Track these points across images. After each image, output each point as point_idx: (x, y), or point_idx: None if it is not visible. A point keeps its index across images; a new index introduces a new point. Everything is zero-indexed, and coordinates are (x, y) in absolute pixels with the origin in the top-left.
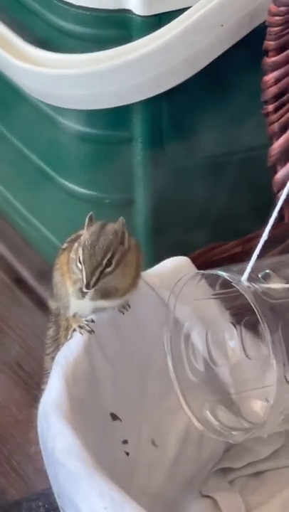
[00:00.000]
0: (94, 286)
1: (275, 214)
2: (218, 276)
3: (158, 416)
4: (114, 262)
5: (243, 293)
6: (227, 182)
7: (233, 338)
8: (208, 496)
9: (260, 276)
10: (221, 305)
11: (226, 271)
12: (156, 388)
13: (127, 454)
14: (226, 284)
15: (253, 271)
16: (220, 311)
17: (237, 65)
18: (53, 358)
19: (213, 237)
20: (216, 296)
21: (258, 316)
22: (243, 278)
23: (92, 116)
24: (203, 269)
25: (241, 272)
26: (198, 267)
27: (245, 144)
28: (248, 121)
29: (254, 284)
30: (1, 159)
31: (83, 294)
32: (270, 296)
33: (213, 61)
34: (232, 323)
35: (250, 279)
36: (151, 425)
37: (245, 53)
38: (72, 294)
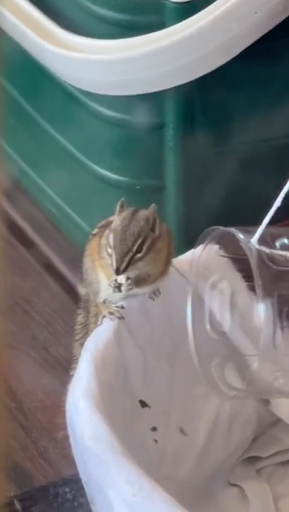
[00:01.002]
0: (124, 271)
1: None
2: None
3: (187, 403)
4: (144, 248)
5: (247, 253)
6: (259, 169)
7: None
8: (235, 485)
9: (278, 244)
10: (234, 267)
11: (242, 232)
12: (185, 375)
13: (156, 441)
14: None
15: (271, 237)
16: (235, 273)
17: (270, 52)
18: (82, 344)
19: (246, 225)
20: (233, 256)
21: (254, 278)
22: (252, 239)
23: (125, 102)
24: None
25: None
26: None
27: (278, 130)
28: (280, 108)
29: (263, 248)
30: (33, 145)
31: (118, 289)
32: (276, 263)
33: (246, 48)
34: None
35: (262, 242)
36: (180, 413)
37: (278, 40)
38: (107, 289)
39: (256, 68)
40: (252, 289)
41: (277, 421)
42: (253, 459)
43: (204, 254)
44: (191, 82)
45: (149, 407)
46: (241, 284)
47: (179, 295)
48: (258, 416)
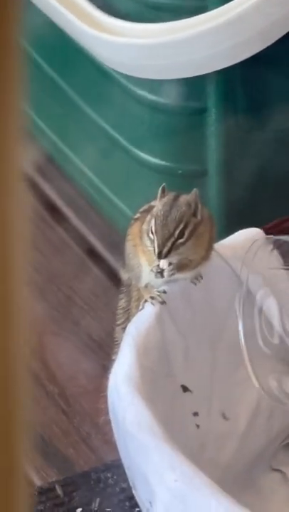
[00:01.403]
0: (166, 256)
1: None
2: None
3: (228, 389)
4: (186, 233)
5: None
6: None
7: None
8: (278, 470)
9: None
10: None
11: None
12: (227, 361)
13: (198, 426)
14: None
15: None
16: None
17: None
18: (123, 329)
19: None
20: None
21: None
22: None
23: (166, 87)
24: (288, 256)
25: None
26: (282, 254)
27: None
28: None
29: None
30: (73, 128)
31: (161, 274)
32: None
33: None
34: None
35: None
36: (221, 398)
37: None
38: (149, 274)
39: None
40: None
41: None
42: None
43: (257, 258)
44: (233, 66)
45: (191, 392)
46: None
47: (220, 280)
48: None
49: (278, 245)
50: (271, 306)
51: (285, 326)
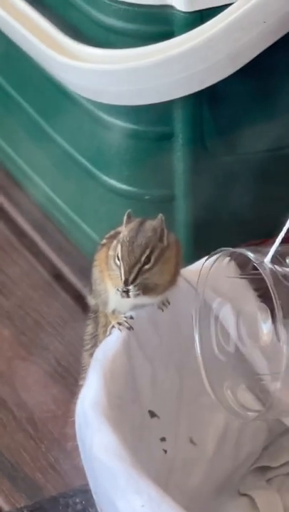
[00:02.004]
0: (132, 283)
1: None
2: (248, 258)
3: (196, 413)
4: (152, 259)
5: (262, 272)
6: (269, 179)
7: (265, 319)
8: (245, 495)
9: (288, 261)
10: (250, 286)
11: (253, 251)
12: (194, 385)
13: (165, 451)
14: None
15: (282, 255)
16: (250, 291)
17: (280, 62)
18: (91, 355)
19: (256, 236)
20: (244, 276)
21: (273, 298)
22: (266, 259)
23: (133, 112)
24: (244, 267)
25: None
26: (239, 265)
27: (288, 140)
28: None
29: (276, 267)
30: (41, 154)
31: (126, 293)
32: None
33: (256, 57)
34: (263, 303)
35: (275, 261)
36: (189, 422)
37: (288, 50)
38: (115, 294)
39: (265, 78)
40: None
41: (287, 430)
42: (264, 469)
43: (214, 268)
44: (201, 91)
45: (158, 418)
46: (254, 303)
47: (187, 305)
48: (268, 426)
49: (235, 257)
50: (227, 314)
51: (240, 331)
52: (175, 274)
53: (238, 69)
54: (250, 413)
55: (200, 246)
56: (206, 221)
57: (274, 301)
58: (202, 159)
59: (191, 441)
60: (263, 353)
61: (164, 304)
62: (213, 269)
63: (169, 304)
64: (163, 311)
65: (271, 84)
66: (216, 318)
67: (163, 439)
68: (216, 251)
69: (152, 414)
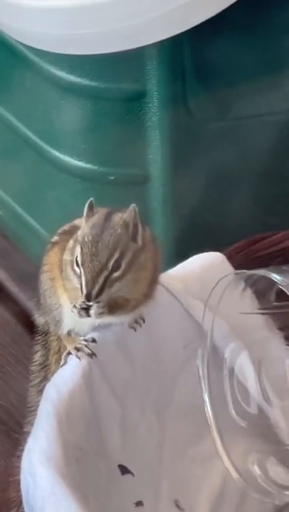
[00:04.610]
0: (97, 297)
1: None
2: (269, 283)
3: (182, 469)
4: (123, 265)
5: None
6: (269, 150)
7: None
8: None
9: None
10: (274, 324)
11: (278, 272)
12: (180, 431)
13: None
14: (282, 295)
15: None
16: (274, 332)
17: None
18: (40, 392)
19: (252, 222)
20: (267, 311)
21: None
22: None
23: (91, 64)
24: (244, 269)
25: None
26: (237, 267)
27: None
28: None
29: None
30: None
31: (86, 312)
32: None
33: None
34: None
35: None
36: (173, 481)
37: None
38: (70, 311)
39: (264, 18)
40: None
41: None
42: None
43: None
44: (180, 36)
45: (132, 475)
46: (280, 347)
47: (169, 323)
48: None
49: (252, 283)
50: (245, 365)
51: (265, 389)
52: (152, 284)
53: (228, 5)
54: (287, 492)
55: (184, 243)
56: (191, 210)
57: None
58: (184, 126)
59: (177, 506)
60: None
61: (138, 322)
62: (223, 301)
63: (143, 321)
64: (136, 330)
65: (271, 27)
66: (231, 369)
67: (139, 504)
68: (224, 276)
69: (124, 469)
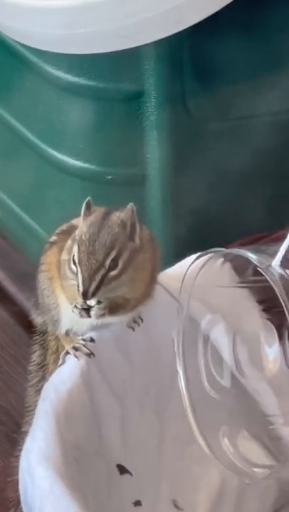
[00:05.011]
0: (94, 295)
1: None
2: (247, 260)
3: (182, 468)
4: (120, 263)
5: (269, 280)
6: (268, 150)
7: (271, 342)
8: None
9: None
10: (251, 297)
11: (255, 252)
12: (179, 430)
13: None
14: (258, 271)
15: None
16: (251, 305)
17: None
18: (38, 391)
19: (256, 229)
20: (243, 285)
21: (285, 311)
22: (274, 262)
23: (89, 64)
24: (243, 272)
25: (275, 255)
26: (237, 270)
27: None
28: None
29: (288, 271)
30: None
31: (87, 313)
32: None
33: None
34: (268, 320)
35: (285, 264)
36: (172, 481)
37: None
38: (69, 310)
39: (262, 18)
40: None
41: None
42: None
43: (202, 274)
44: (179, 35)
45: (131, 474)
46: (256, 319)
47: (167, 322)
48: (279, 484)
49: (231, 258)
50: (220, 335)
51: (238, 358)
52: (150, 283)
53: (225, 4)
54: (257, 470)
55: (183, 243)
56: (189, 210)
57: (286, 315)
58: (182, 126)
59: (176, 506)
60: (270, 385)
61: (136, 322)
62: (201, 275)
63: (142, 321)
64: (134, 330)
65: (271, 27)
66: (206, 341)
67: (138, 503)
68: (204, 252)
69: (123, 469)
